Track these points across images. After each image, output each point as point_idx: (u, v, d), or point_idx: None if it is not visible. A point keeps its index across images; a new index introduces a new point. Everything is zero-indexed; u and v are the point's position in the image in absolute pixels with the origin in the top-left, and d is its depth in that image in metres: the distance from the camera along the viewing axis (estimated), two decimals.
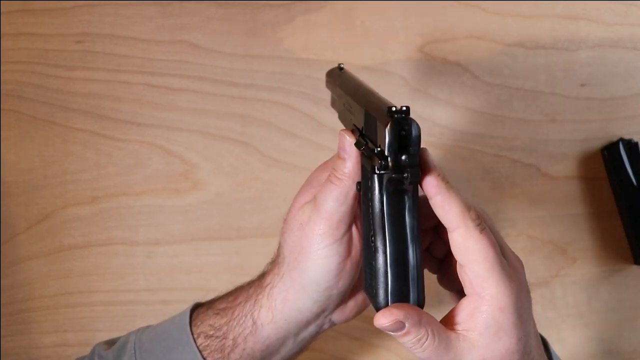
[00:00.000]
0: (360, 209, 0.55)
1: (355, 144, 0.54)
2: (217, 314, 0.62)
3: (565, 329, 0.81)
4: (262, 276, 0.62)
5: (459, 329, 0.51)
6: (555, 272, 0.80)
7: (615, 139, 0.79)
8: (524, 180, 0.81)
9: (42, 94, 0.81)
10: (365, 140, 0.52)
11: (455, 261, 0.52)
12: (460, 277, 0.52)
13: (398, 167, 0.48)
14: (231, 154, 0.81)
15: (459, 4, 0.80)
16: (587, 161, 0.80)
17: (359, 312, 0.63)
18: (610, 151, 0.79)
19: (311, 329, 0.62)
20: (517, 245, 0.80)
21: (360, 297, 0.62)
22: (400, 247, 0.50)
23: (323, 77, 0.80)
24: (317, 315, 0.60)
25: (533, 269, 0.80)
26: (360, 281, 0.59)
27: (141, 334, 0.65)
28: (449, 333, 0.51)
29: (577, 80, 0.80)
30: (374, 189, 0.50)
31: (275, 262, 0.61)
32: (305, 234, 0.57)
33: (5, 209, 0.81)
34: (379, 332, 0.80)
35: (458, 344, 0.50)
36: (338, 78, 0.63)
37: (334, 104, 0.66)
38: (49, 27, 0.81)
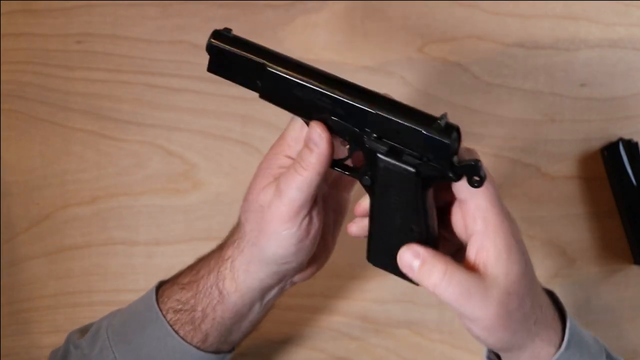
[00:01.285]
0: (373, 199, 0.58)
1: (387, 153, 0.55)
2: (183, 288, 0.64)
3: None
4: (222, 248, 0.64)
5: (477, 265, 0.55)
6: (555, 272, 0.80)
7: (615, 139, 0.79)
8: (524, 180, 0.81)
9: (43, 94, 0.81)
10: (384, 142, 0.55)
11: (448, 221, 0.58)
12: (458, 221, 0.57)
13: (449, 172, 0.54)
14: (231, 154, 0.81)
15: (459, 4, 0.80)
16: (586, 161, 0.80)
17: (316, 272, 0.66)
18: (610, 151, 0.79)
19: (274, 292, 0.65)
20: None
21: (320, 261, 0.65)
22: (433, 232, 0.58)
23: None
24: (279, 281, 0.63)
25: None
26: (322, 248, 0.65)
27: (112, 318, 0.67)
28: (470, 272, 0.54)
29: (577, 80, 0.80)
30: (416, 189, 0.55)
31: (235, 236, 0.63)
32: (266, 217, 0.59)
33: (5, 209, 0.81)
34: (379, 332, 0.81)
35: (482, 279, 0.54)
36: (258, 54, 0.58)
37: (227, 71, 0.60)
38: (49, 27, 0.81)
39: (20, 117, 0.82)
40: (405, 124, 0.54)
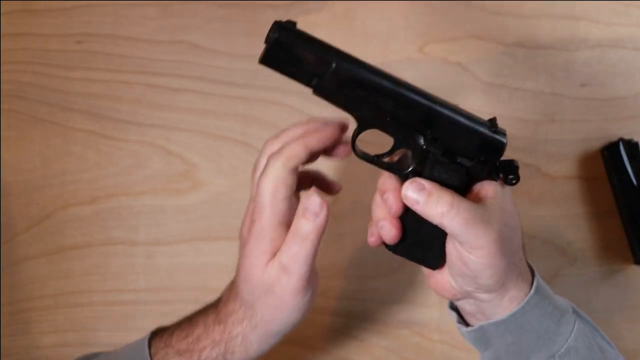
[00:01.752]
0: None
1: (442, 154, 0.58)
2: (180, 355, 0.63)
3: None
4: (222, 323, 0.63)
5: (477, 199, 0.59)
6: (555, 272, 0.80)
7: (615, 139, 0.79)
8: (524, 180, 0.80)
9: (43, 94, 0.81)
10: (439, 143, 0.57)
11: None
12: None
13: (492, 172, 0.59)
14: (231, 154, 0.81)
15: (459, 4, 0.80)
16: (587, 161, 0.80)
17: None
18: (610, 151, 0.79)
19: None
20: None
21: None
22: None
23: None
24: None
25: None
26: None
27: None
28: (473, 202, 0.58)
29: (577, 80, 0.80)
30: (460, 187, 0.58)
31: (239, 315, 0.62)
32: (277, 294, 0.59)
33: (5, 209, 0.81)
34: (379, 332, 0.81)
35: (484, 208, 0.57)
36: (325, 50, 0.56)
37: (283, 65, 0.57)
38: (49, 27, 0.81)
39: (20, 117, 0.81)
40: (468, 127, 0.57)
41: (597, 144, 0.80)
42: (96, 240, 0.81)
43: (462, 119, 0.57)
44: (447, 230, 0.57)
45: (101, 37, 0.81)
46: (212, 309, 0.65)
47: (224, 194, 0.81)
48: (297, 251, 0.58)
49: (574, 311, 0.65)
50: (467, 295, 0.61)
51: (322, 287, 0.80)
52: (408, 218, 0.59)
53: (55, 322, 0.81)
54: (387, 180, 0.61)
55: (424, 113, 0.57)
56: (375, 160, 0.59)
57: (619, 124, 0.80)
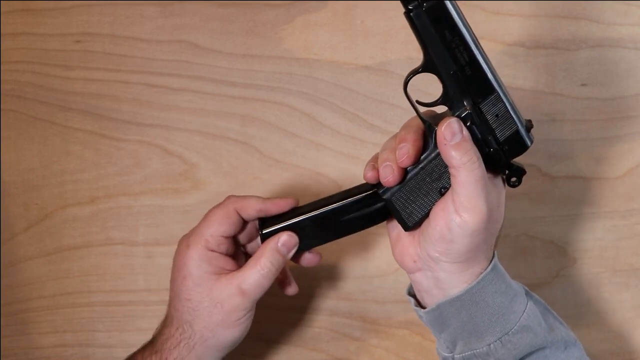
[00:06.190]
0: (434, 149, 0.62)
1: (478, 126, 0.61)
2: None
3: None
4: (159, 352, 0.66)
5: None
6: (556, 272, 0.80)
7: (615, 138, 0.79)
8: (525, 180, 0.80)
9: (42, 93, 0.81)
10: (481, 116, 0.61)
11: None
12: None
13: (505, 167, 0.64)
14: (231, 154, 0.81)
15: (459, 4, 0.79)
16: (587, 161, 0.80)
17: None
18: None
19: None
20: (517, 245, 0.80)
21: None
22: None
23: (323, 77, 0.80)
24: None
25: (533, 269, 0.80)
26: None
27: None
28: None
29: (578, 80, 0.80)
30: None
31: (175, 338, 0.66)
32: (227, 311, 0.65)
33: (5, 209, 0.81)
34: (379, 333, 0.80)
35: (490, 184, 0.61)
36: None
37: None
38: (48, 26, 0.81)
39: (19, 116, 0.81)
40: (510, 115, 0.61)
41: (598, 143, 0.80)
42: (95, 241, 0.81)
43: (509, 106, 0.61)
44: (458, 181, 0.59)
45: (100, 36, 0.81)
46: (149, 344, 0.68)
47: (223, 194, 0.80)
48: (261, 282, 0.65)
49: (527, 292, 0.66)
50: (428, 265, 0.62)
51: (322, 287, 0.80)
52: (412, 174, 0.62)
53: (54, 323, 0.81)
54: (410, 133, 0.62)
55: (486, 82, 0.60)
56: (415, 105, 0.62)
57: (620, 123, 0.80)
